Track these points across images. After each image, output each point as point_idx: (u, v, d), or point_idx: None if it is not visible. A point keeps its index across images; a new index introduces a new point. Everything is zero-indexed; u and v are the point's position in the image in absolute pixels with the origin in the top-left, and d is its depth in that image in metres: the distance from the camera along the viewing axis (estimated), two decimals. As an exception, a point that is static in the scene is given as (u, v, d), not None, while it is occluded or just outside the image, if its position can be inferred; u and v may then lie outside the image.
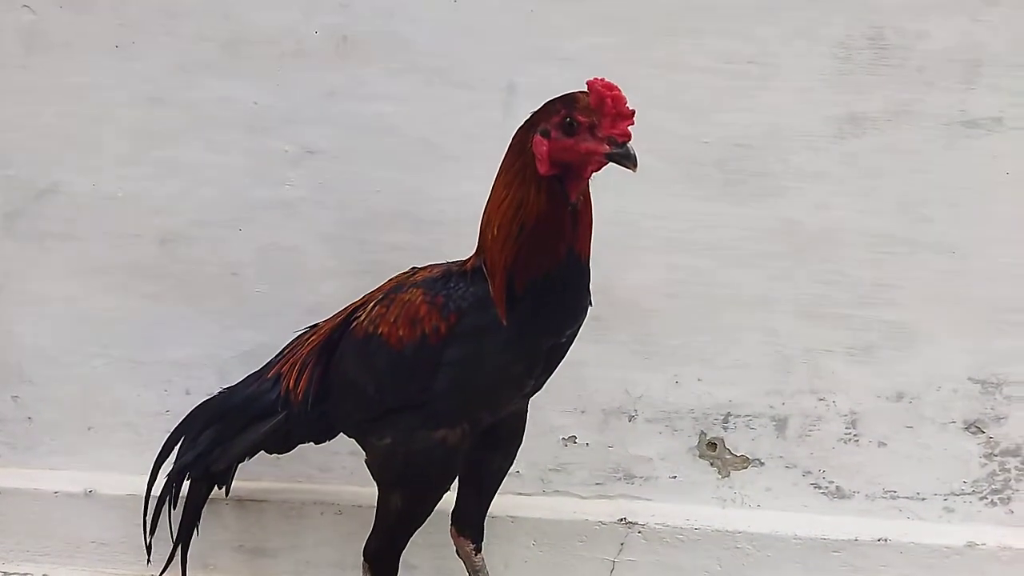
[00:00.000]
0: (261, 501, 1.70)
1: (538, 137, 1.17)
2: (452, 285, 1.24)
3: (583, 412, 1.70)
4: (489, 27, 1.58)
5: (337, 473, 1.70)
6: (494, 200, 1.23)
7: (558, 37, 1.57)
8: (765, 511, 1.71)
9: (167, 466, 1.50)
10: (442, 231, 1.61)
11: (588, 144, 1.15)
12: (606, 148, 1.14)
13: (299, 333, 1.46)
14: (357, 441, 1.39)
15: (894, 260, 1.63)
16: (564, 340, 1.30)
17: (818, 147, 1.60)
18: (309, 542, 1.69)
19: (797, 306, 1.65)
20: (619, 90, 1.14)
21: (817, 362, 1.67)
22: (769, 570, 1.67)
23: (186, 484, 1.50)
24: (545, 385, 1.37)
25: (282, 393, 1.39)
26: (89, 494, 1.69)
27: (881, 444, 1.70)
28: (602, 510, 1.70)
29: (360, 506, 1.57)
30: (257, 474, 1.71)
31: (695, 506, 1.71)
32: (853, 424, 1.70)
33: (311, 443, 1.47)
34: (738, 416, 1.71)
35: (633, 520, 1.69)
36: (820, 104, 1.58)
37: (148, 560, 1.56)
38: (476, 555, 1.45)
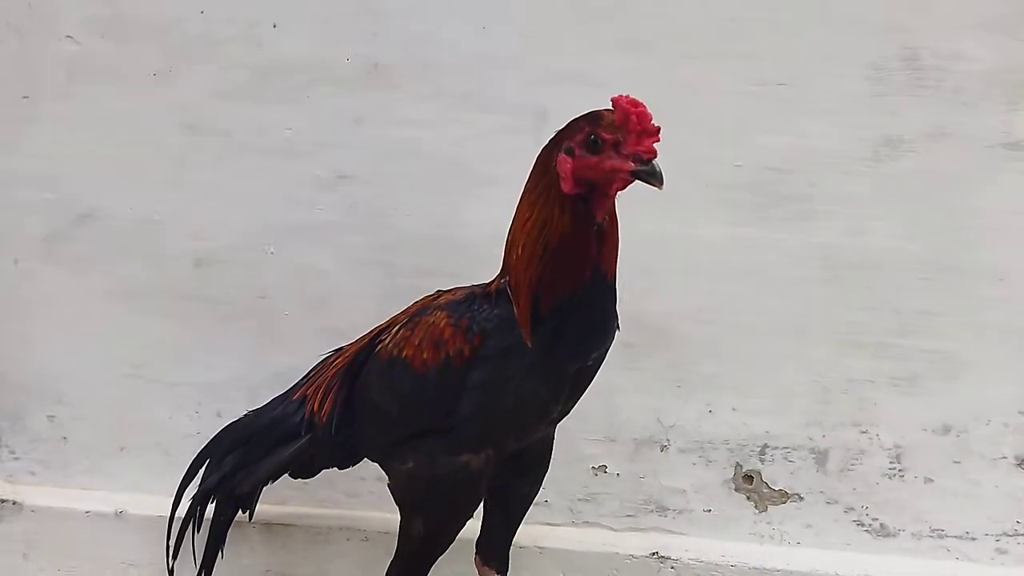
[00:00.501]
0: (288, 525, 1.69)
1: (562, 155, 1.16)
2: (476, 307, 1.23)
3: (613, 441, 1.66)
4: (518, 52, 1.58)
5: (365, 499, 1.69)
6: (519, 220, 1.22)
7: (587, 61, 1.56)
8: (805, 549, 1.64)
9: (192, 489, 1.51)
10: (472, 255, 1.58)
11: (613, 161, 1.13)
12: (631, 165, 1.12)
13: (324, 356, 1.46)
14: (380, 465, 1.37)
15: (938, 287, 1.57)
16: (591, 363, 1.27)
17: (854, 171, 1.56)
18: (336, 568, 1.67)
19: (836, 334, 1.60)
20: (644, 106, 1.13)
21: (859, 393, 1.61)
22: (811, 610, 1.60)
23: (211, 507, 1.50)
24: (574, 412, 1.34)
25: (306, 416, 1.39)
26: (120, 515, 1.71)
27: (928, 480, 1.62)
28: (634, 543, 1.65)
29: (387, 532, 1.52)
30: (284, 498, 1.70)
31: (731, 542, 1.65)
32: (898, 458, 1.62)
33: (335, 468, 1.46)
34: (776, 448, 1.65)
35: (666, 555, 1.63)
36: (854, 127, 1.54)
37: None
38: (502, 585, 1.42)
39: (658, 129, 1.13)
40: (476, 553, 1.42)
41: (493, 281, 1.28)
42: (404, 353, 1.26)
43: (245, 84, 1.64)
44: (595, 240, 1.18)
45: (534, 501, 1.43)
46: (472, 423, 1.23)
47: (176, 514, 1.50)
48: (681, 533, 1.66)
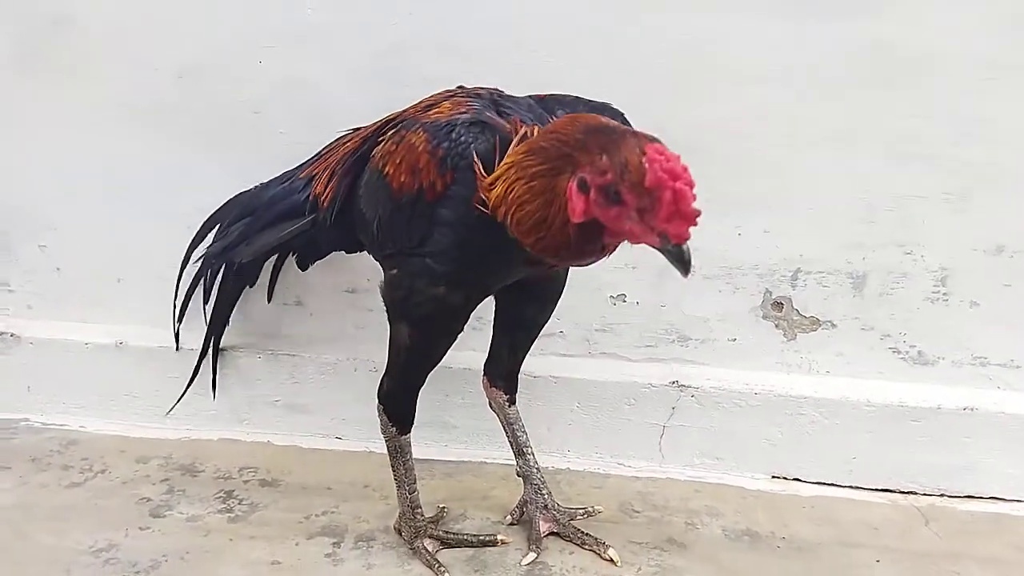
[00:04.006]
0: (295, 356, 1.64)
1: (574, 187, 0.98)
2: (455, 137, 1.10)
3: (633, 268, 1.56)
4: None
5: (373, 330, 1.61)
6: (516, 175, 1.04)
7: None
8: (835, 377, 1.57)
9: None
10: (479, 60, 1.44)
11: (633, 226, 0.95)
12: (657, 241, 0.94)
13: (340, 134, 1.37)
14: (378, 263, 1.30)
15: (1003, 89, 1.39)
16: None
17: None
18: (343, 398, 1.63)
19: (885, 144, 1.44)
20: (685, 178, 0.91)
21: (906, 210, 1.48)
22: (837, 438, 1.54)
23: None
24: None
25: (311, 197, 1.33)
26: (120, 346, 1.66)
27: (973, 304, 1.51)
28: (652, 373, 1.58)
29: (395, 364, 1.48)
30: (292, 329, 1.64)
31: (756, 371, 1.57)
32: (942, 281, 1.51)
33: (343, 252, 1.42)
34: (809, 272, 1.53)
35: (686, 383, 1.56)
36: None
37: (176, 347, 1.59)
38: (510, 407, 1.37)
39: (697, 213, 0.92)
40: (484, 374, 1.37)
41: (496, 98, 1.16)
42: (387, 169, 1.17)
43: None
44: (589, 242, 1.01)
45: (544, 329, 1.35)
46: (444, 258, 1.14)
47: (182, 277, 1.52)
48: (703, 363, 1.58)
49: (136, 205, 1.62)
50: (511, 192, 1.03)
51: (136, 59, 1.55)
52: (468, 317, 1.23)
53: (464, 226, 1.11)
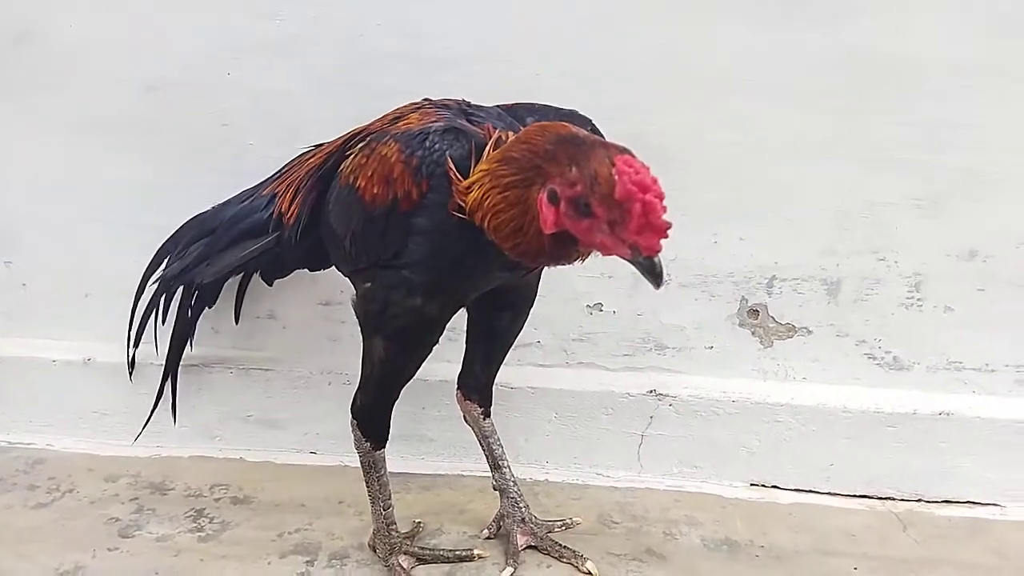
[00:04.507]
0: (267, 371, 1.62)
1: (544, 198, 0.98)
2: (428, 145, 1.09)
3: (610, 277, 1.55)
4: None
5: (347, 343, 1.60)
6: (491, 182, 1.03)
7: None
8: (811, 384, 1.56)
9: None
10: (451, 71, 1.44)
11: (605, 238, 0.95)
12: (628, 254, 0.94)
13: (303, 151, 1.35)
14: (348, 279, 1.29)
15: (975, 96, 1.40)
16: None
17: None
18: (317, 413, 1.60)
19: (859, 151, 1.45)
20: (654, 190, 0.91)
21: (879, 216, 1.48)
22: (814, 445, 1.54)
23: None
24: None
25: (275, 215, 1.31)
26: (88, 362, 1.63)
27: (948, 309, 1.52)
28: (630, 382, 1.57)
29: (369, 376, 1.47)
30: (263, 344, 1.62)
31: (733, 379, 1.57)
32: (916, 287, 1.51)
33: (306, 270, 1.40)
34: (784, 280, 1.53)
35: (664, 392, 1.56)
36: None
37: (130, 376, 1.56)
38: (485, 420, 1.36)
39: (668, 225, 0.91)
40: (458, 388, 1.36)
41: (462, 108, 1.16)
42: (358, 183, 1.15)
43: None
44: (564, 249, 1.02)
45: (521, 339, 1.34)
46: (420, 268, 1.13)
47: (138, 303, 1.48)
48: (681, 371, 1.58)
49: (103, 220, 1.59)
50: (487, 199, 1.03)
51: (102, 73, 1.53)
52: (443, 329, 1.21)
53: (440, 233, 1.09)
